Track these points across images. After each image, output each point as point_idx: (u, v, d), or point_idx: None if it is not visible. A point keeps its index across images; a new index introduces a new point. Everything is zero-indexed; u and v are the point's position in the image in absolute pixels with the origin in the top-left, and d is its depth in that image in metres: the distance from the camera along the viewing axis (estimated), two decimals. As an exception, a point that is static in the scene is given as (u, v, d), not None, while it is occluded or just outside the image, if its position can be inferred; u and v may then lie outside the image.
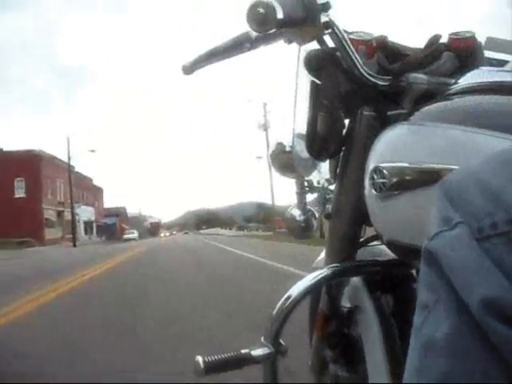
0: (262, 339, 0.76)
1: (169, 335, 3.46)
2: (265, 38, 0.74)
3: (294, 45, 0.76)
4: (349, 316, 0.89)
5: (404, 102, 0.74)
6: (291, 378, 1.77)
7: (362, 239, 0.86)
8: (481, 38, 0.84)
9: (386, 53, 0.80)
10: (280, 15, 0.66)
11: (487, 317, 0.31)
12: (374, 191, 0.67)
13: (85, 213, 52.53)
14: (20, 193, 40.87)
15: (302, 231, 0.96)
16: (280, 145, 0.95)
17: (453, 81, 0.73)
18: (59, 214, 45.62)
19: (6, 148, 41.88)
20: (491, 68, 0.76)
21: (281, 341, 0.76)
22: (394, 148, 0.69)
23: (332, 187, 0.91)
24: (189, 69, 0.81)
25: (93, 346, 3.25)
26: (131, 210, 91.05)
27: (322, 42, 0.73)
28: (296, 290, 0.77)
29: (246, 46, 0.74)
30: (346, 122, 0.81)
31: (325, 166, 0.92)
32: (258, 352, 0.74)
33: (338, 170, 0.85)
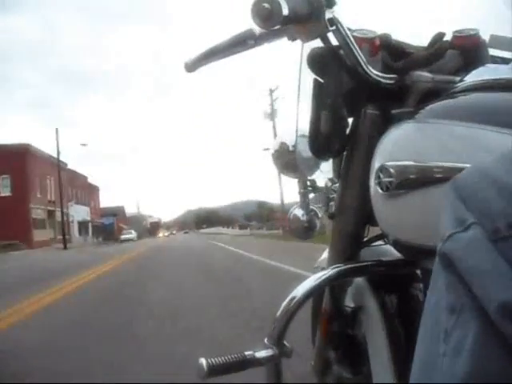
0: (266, 340, 0.75)
1: None
2: (268, 35, 0.73)
3: (298, 42, 0.75)
4: (352, 316, 0.88)
5: (408, 101, 0.74)
6: (295, 380, 1.66)
7: (365, 239, 0.85)
8: (485, 36, 0.83)
9: (389, 51, 0.80)
10: (285, 11, 0.65)
11: (506, 321, 0.30)
12: (380, 190, 0.66)
13: (79, 212, 50.19)
14: (5, 191, 37.33)
15: (304, 231, 0.95)
16: (283, 144, 0.95)
17: (457, 79, 0.72)
18: (50, 213, 41.69)
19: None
20: (496, 65, 0.76)
21: (285, 342, 0.75)
22: (399, 146, 0.68)
23: (335, 186, 0.90)
24: (191, 66, 0.81)
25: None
26: (130, 210, 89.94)
27: (325, 39, 0.72)
28: (300, 290, 0.76)
29: (249, 43, 0.73)
30: (350, 120, 0.80)
31: (326, 166, 0.91)
32: (261, 354, 0.73)
33: (341, 169, 0.85)
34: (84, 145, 42.33)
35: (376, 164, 0.69)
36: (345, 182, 0.83)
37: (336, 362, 0.95)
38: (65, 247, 34.07)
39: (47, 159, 41.23)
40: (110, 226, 62.43)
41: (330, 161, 0.89)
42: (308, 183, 0.96)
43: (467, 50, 0.79)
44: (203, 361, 0.69)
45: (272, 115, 31.24)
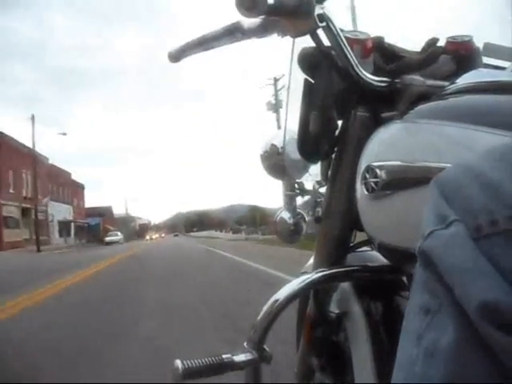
0: (245, 344, 0.73)
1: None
2: (257, 29, 0.71)
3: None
4: (337, 322, 0.86)
5: (399, 104, 0.73)
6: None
7: (352, 244, 0.84)
8: (479, 44, 0.83)
9: (382, 53, 0.79)
10: (271, 0, 0.63)
11: (484, 322, 0.28)
12: (365, 191, 0.65)
13: (60, 211, 44.90)
14: (-30, 186, 31.31)
15: (290, 234, 0.94)
16: (273, 146, 0.93)
17: (450, 83, 0.71)
18: (25, 212, 35.44)
19: None
20: (489, 70, 0.75)
21: (265, 347, 0.73)
22: (386, 146, 0.66)
23: (323, 190, 0.89)
24: (175, 56, 0.79)
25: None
26: (118, 211, 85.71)
27: (315, 36, 0.71)
28: (283, 293, 0.74)
29: (236, 35, 0.72)
30: (340, 122, 0.79)
31: (314, 169, 0.90)
32: (240, 357, 0.71)
33: (329, 172, 0.83)
34: (63, 134, 38.08)
35: (363, 165, 0.67)
36: (332, 185, 0.81)
37: (319, 370, 0.93)
38: (38, 250, 29.82)
39: (24, 152, 35.33)
40: (95, 227, 58.52)
41: (319, 164, 0.87)
42: (296, 186, 0.95)
43: (460, 56, 0.78)
44: (179, 363, 0.67)
45: (276, 106, 28.99)
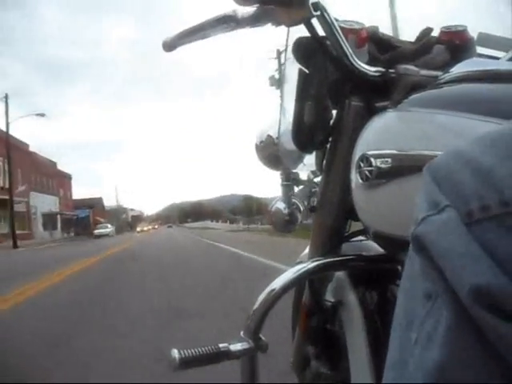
0: (242, 333, 0.74)
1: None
2: (251, 18, 0.71)
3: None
4: (332, 311, 0.87)
5: (394, 94, 0.73)
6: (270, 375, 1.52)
7: (347, 234, 0.84)
8: (473, 34, 0.83)
9: (376, 43, 0.79)
10: None
11: (476, 306, 0.29)
12: (360, 180, 0.65)
13: (44, 203, 41.17)
14: None
15: (285, 224, 0.94)
16: (269, 137, 0.93)
17: (443, 73, 0.71)
18: (2, 203, 30.56)
19: None
20: (484, 59, 0.75)
21: (261, 336, 0.74)
22: (381, 135, 0.67)
23: (318, 180, 0.89)
24: (170, 45, 0.79)
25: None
26: (109, 202, 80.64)
27: (309, 25, 0.71)
28: (278, 283, 0.75)
29: (231, 24, 0.72)
30: (334, 112, 0.79)
31: (309, 159, 0.90)
32: (236, 347, 0.72)
33: (324, 162, 0.83)
34: (41, 115, 33.19)
35: (357, 153, 0.68)
36: (327, 174, 0.82)
37: (314, 358, 0.94)
38: (15, 245, 26.36)
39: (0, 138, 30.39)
40: (84, 219, 54.99)
41: (314, 154, 0.88)
42: (291, 176, 0.95)
43: (454, 46, 0.78)
44: (175, 352, 0.67)
45: (281, 81, 28.21)
